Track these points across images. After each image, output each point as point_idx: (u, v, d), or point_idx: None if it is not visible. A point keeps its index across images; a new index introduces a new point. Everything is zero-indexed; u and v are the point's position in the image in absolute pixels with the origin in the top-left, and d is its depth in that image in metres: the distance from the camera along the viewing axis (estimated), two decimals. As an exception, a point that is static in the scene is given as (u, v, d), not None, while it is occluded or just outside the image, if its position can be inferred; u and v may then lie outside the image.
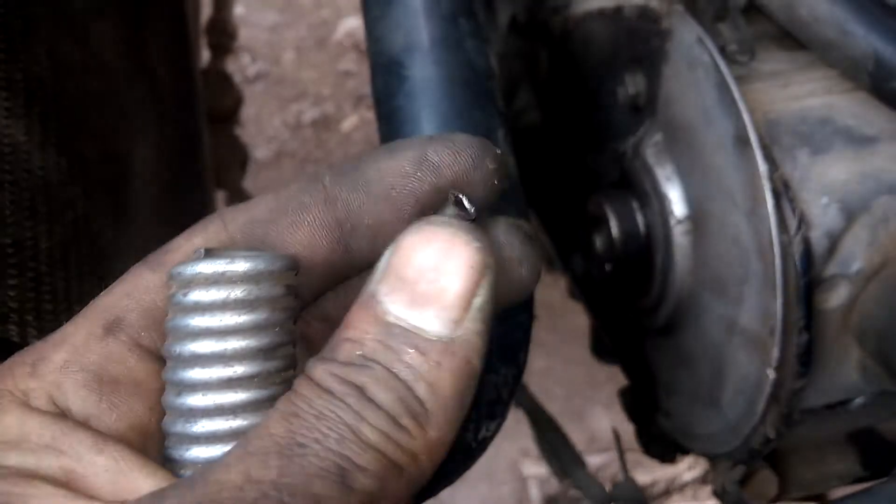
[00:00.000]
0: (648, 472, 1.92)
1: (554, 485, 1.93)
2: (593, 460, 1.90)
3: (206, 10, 1.66)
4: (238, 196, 1.63)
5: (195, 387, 0.36)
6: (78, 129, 0.72)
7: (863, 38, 0.65)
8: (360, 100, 2.57)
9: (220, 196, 1.55)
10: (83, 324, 0.39)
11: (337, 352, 0.35)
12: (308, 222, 0.40)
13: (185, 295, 0.36)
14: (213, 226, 0.40)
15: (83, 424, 0.36)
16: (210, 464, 0.33)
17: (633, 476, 1.03)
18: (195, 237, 0.40)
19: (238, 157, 1.63)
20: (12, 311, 0.56)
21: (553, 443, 1.13)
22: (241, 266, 0.36)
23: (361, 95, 2.56)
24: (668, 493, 1.97)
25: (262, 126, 2.54)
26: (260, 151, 2.48)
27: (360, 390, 0.34)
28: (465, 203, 0.39)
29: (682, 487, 1.97)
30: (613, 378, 1.04)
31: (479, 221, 0.40)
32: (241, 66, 2.60)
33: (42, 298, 0.60)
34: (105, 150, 0.79)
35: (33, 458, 0.35)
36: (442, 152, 0.39)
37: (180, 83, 1.19)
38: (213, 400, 0.35)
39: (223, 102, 1.63)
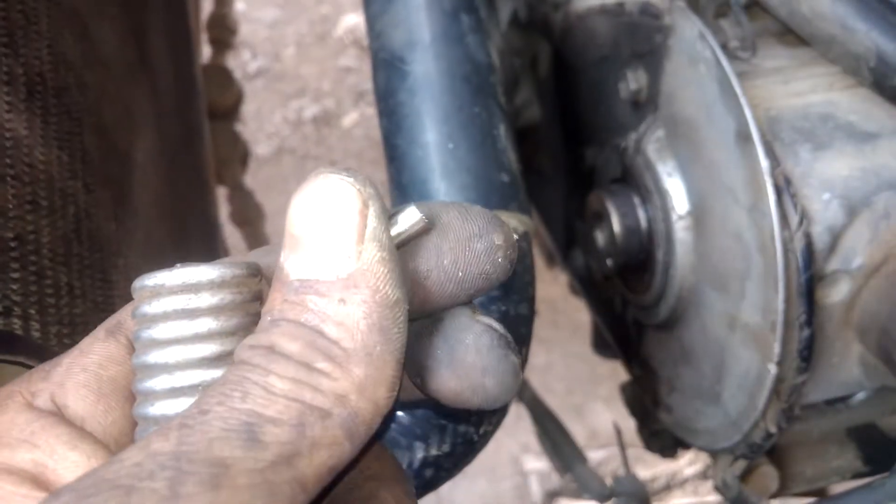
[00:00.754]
0: (649, 468, 1.92)
1: (555, 480, 1.93)
2: (594, 455, 1.90)
3: (206, 5, 1.65)
4: (238, 192, 1.63)
5: (147, 396, 0.36)
6: (79, 124, 0.72)
7: (864, 35, 0.65)
8: (361, 96, 2.57)
9: (220, 192, 1.55)
10: (93, 333, 0.40)
11: (256, 328, 0.35)
12: None
13: (137, 308, 0.37)
14: (229, 259, 0.42)
15: (66, 421, 0.37)
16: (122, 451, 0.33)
17: (633, 471, 1.03)
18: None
19: (238, 153, 1.63)
20: (15, 304, 0.56)
21: (554, 438, 1.13)
22: (179, 276, 0.36)
23: (362, 91, 2.56)
24: (668, 488, 1.98)
25: (262, 122, 2.53)
26: (260, 147, 2.48)
27: (269, 349, 0.33)
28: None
29: (683, 482, 1.97)
30: (614, 373, 1.04)
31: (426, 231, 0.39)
32: (241, 62, 2.60)
33: (44, 292, 0.60)
34: (106, 144, 0.79)
35: (8, 452, 0.35)
36: (452, 215, 0.39)
37: (181, 78, 1.19)
38: (160, 409, 0.36)
39: (224, 98, 1.62)
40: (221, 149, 1.59)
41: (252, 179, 1.71)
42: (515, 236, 0.41)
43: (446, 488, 1.93)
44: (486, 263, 0.39)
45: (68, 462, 0.35)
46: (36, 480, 0.35)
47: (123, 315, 0.40)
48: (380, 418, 0.34)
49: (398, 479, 0.40)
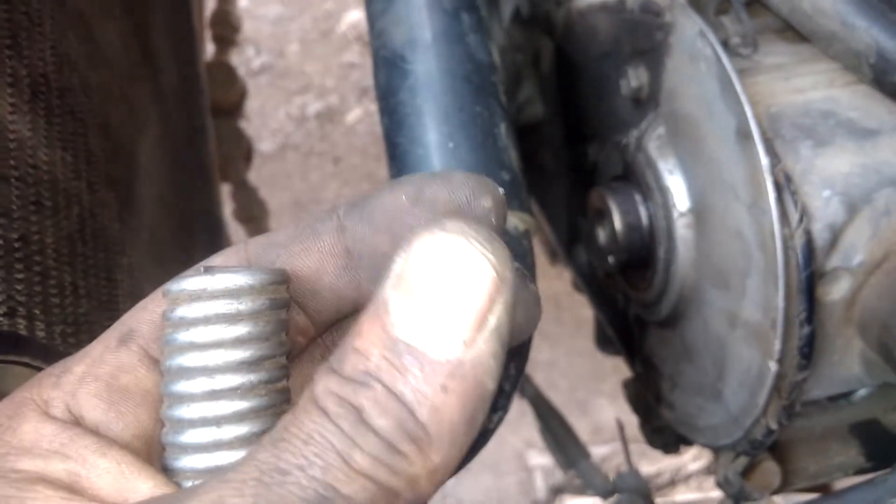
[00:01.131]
0: (653, 463, 1.92)
1: (559, 475, 1.94)
2: (598, 451, 1.90)
3: (209, 2, 1.66)
4: (242, 188, 1.64)
5: (182, 399, 0.37)
6: (83, 125, 0.73)
7: (864, 31, 0.65)
8: (365, 92, 2.57)
9: (224, 189, 1.55)
10: (103, 338, 0.40)
11: (343, 363, 0.33)
12: (318, 248, 0.41)
13: (172, 311, 0.37)
14: (233, 249, 0.42)
15: (92, 431, 0.37)
16: (188, 490, 0.33)
17: (637, 467, 1.04)
18: (217, 258, 0.42)
19: (242, 150, 1.64)
20: (20, 304, 0.56)
21: (557, 434, 1.14)
22: (222, 281, 0.37)
23: (366, 87, 2.56)
24: (672, 483, 1.98)
25: (266, 119, 2.54)
26: (264, 144, 2.48)
27: (358, 412, 0.32)
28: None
29: (687, 478, 1.98)
30: (618, 370, 1.04)
31: None
32: (245, 59, 2.60)
33: (49, 293, 0.60)
34: (110, 144, 0.80)
35: (42, 462, 0.36)
36: (439, 189, 0.39)
37: (184, 77, 1.19)
38: (198, 411, 0.36)
39: (227, 95, 1.63)
40: (225, 146, 1.59)
41: (256, 176, 1.72)
42: (501, 191, 0.40)
43: (451, 483, 1.94)
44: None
45: (100, 469, 0.36)
46: (71, 489, 0.35)
47: (134, 322, 0.40)
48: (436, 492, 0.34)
49: None
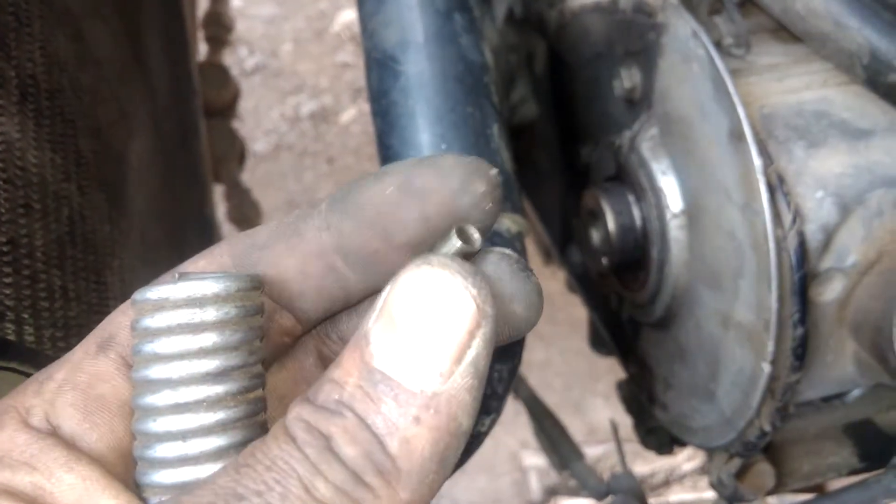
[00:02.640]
0: (648, 463, 1.92)
1: (553, 476, 1.94)
2: (592, 451, 1.90)
3: (202, 3, 1.65)
4: (235, 189, 1.63)
5: (148, 412, 0.36)
6: (72, 126, 0.72)
7: (857, 32, 0.64)
8: (359, 92, 2.57)
9: (217, 190, 1.55)
10: (85, 342, 0.39)
11: (318, 392, 0.33)
12: (301, 249, 0.39)
13: (137, 321, 0.36)
14: (217, 249, 0.41)
15: (64, 443, 0.36)
16: None
17: (631, 467, 1.03)
18: (200, 261, 0.40)
19: (236, 151, 1.63)
20: (8, 308, 0.56)
21: (551, 435, 1.13)
22: (185, 290, 0.36)
23: (359, 87, 2.56)
24: (667, 483, 1.98)
25: (260, 119, 2.53)
26: (258, 144, 2.48)
27: (326, 440, 0.31)
28: (471, 233, 0.37)
29: (682, 478, 1.98)
30: (613, 370, 1.04)
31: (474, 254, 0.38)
32: (238, 59, 2.60)
33: (38, 296, 0.60)
34: (100, 146, 0.79)
35: (10, 474, 0.35)
36: (427, 177, 0.37)
37: (177, 77, 1.18)
38: (163, 425, 0.35)
39: (220, 96, 1.62)
40: (218, 146, 1.58)
41: (250, 176, 1.71)
42: (495, 171, 0.39)
43: (446, 485, 1.94)
44: (475, 212, 0.38)
45: (64, 485, 0.35)
46: (34, 502, 0.35)
47: (114, 327, 0.39)
48: None
49: None
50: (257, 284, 0.38)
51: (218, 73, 1.66)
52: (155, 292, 0.36)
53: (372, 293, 0.41)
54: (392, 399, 0.31)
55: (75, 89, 0.74)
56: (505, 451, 2.01)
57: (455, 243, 0.37)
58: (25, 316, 0.57)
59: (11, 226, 0.58)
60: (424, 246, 0.38)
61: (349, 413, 0.32)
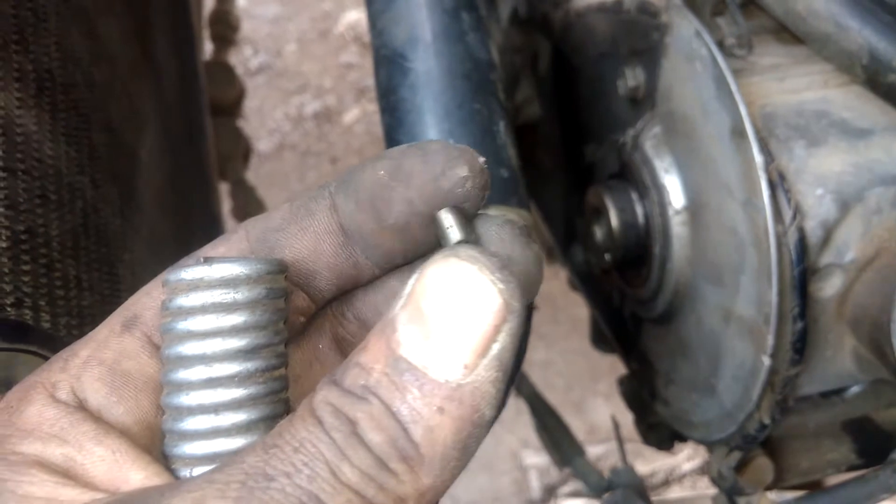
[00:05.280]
0: (648, 463, 1.93)
1: (554, 474, 1.94)
2: (593, 450, 1.91)
3: (208, 2, 1.66)
4: (240, 187, 1.64)
5: (180, 386, 0.37)
6: (86, 120, 0.73)
7: (857, 33, 0.66)
8: (362, 92, 2.58)
9: (223, 187, 1.56)
10: (109, 321, 0.40)
11: (345, 375, 0.34)
12: (313, 228, 0.41)
13: (170, 300, 0.38)
14: (235, 235, 0.42)
15: (93, 416, 0.38)
16: (173, 486, 0.33)
17: (631, 463, 1.04)
18: (220, 246, 0.42)
19: (240, 149, 1.64)
20: (27, 295, 0.57)
21: (553, 432, 1.14)
22: (219, 271, 0.37)
23: (363, 88, 2.57)
24: (667, 482, 1.99)
25: (264, 118, 2.54)
26: (262, 143, 2.49)
27: (352, 425, 0.32)
28: (454, 221, 0.39)
29: (682, 477, 1.99)
30: (614, 369, 1.05)
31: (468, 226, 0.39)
32: (243, 59, 2.61)
33: (54, 284, 0.61)
34: (112, 140, 0.80)
35: (41, 446, 0.36)
36: (413, 161, 0.39)
37: (184, 75, 1.20)
38: (196, 399, 0.37)
39: (226, 94, 1.63)
40: (224, 145, 1.60)
41: (254, 175, 1.72)
42: (482, 160, 0.40)
43: (446, 483, 1.94)
44: (456, 198, 0.39)
45: (95, 457, 0.36)
46: (67, 474, 0.36)
47: (139, 307, 0.40)
48: None
49: None
50: (283, 268, 0.40)
51: (224, 72, 1.67)
52: (189, 272, 0.37)
53: (379, 272, 0.42)
54: (417, 388, 0.32)
55: (89, 84, 0.76)
56: (505, 449, 2.02)
57: (449, 224, 0.39)
58: (42, 303, 0.59)
59: (29, 215, 0.60)
60: (410, 228, 0.39)
61: (375, 400, 0.32)
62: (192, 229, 1.13)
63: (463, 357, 0.32)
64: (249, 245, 0.41)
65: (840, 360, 0.72)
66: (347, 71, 2.64)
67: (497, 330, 0.33)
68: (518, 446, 2.02)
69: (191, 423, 0.37)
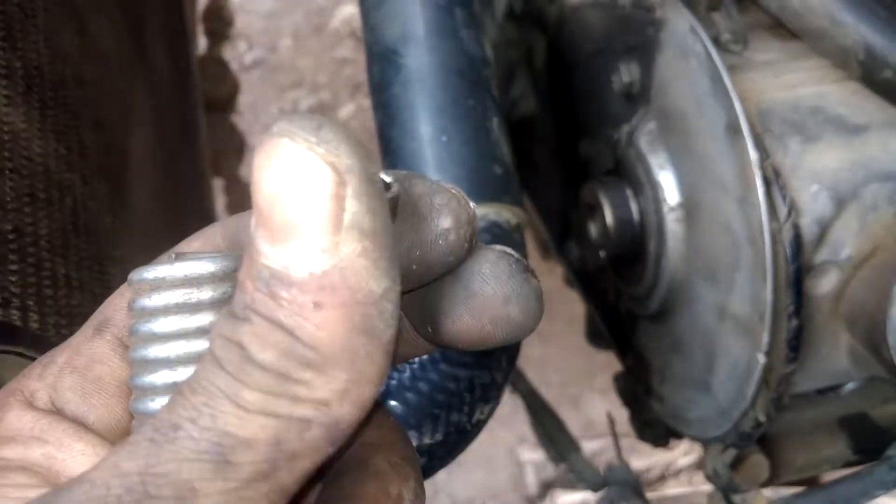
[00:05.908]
0: (644, 458, 1.93)
1: (550, 470, 1.95)
2: (589, 446, 1.91)
3: (202, -3, 1.66)
4: (234, 183, 1.64)
5: (145, 391, 0.36)
6: (76, 117, 0.73)
7: (853, 28, 0.65)
8: (357, 87, 2.57)
9: (216, 183, 1.56)
10: (84, 326, 0.39)
11: (234, 300, 0.31)
12: None
13: (134, 301, 0.36)
14: (211, 230, 0.40)
15: (69, 419, 0.37)
16: (102, 460, 0.31)
17: (626, 460, 1.04)
18: (195, 242, 0.40)
19: (234, 144, 1.64)
20: (14, 295, 0.56)
21: (549, 428, 1.14)
22: (182, 269, 0.35)
23: (358, 83, 2.56)
24: (663, 478, 1.99)
25: (258, 113, 2.53)
26: (257, 139, 2.48)
27: (241, 349, 0.30)
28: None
29: (678, 473, 1.99)
30: (610, 365, 1.05)
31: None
32: (237, 54, 2.60)
33: (42, 284, 0.60)
34: (103, 137, 0.80)
35: (23, 449, 0.36)
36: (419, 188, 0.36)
37: (177, 71, 1.19)
38: (161, 404, 0.35)
39: (220, 90, 1.63)
40: (218, 140, 1.60)
41: (248, 170, 1.72)
42: (472, 205, 0.37)
43: (442, 478, 1.94)
44: (438, 249, 0.36)
45: (75, 452, 0.36)
46: (49, 473, 0.36)
47: (111, 310, 0.39)
48: (365, 414, 0.31)
49: (396, 445, 0.37)
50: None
51: (217, 68, 1.67)
52: (151, 272, 0.36)
53: None
54: (286, 292, 0.29)
55: (79, 81, 0.75)
56: (502, 445, 2.02)
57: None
58: (30, 303, 0.58)
59: (17, 214, 0.59)
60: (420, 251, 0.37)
61: (256, 317, 0.30)
62: (185, 225, 1.12)
63: (315, 243, 0.29)
64: (224, 242, 0.39)
65: (836, 357, 0.72)
66: (343, 66, 2.63)
67: (339, 198, 0.29)
68: (515, 442, 2.02)
69: None
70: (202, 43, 1.65)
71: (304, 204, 0.29)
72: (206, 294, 0.35)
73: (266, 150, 0.29)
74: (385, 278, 0.30)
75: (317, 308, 0.29)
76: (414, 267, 0.36)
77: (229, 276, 0.36)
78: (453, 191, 0.37)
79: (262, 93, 2.57)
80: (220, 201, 1.54)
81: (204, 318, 0.35)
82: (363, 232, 0.29)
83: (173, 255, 0.37)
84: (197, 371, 0.31)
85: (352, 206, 0.29)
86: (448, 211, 0.36)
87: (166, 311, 0.35)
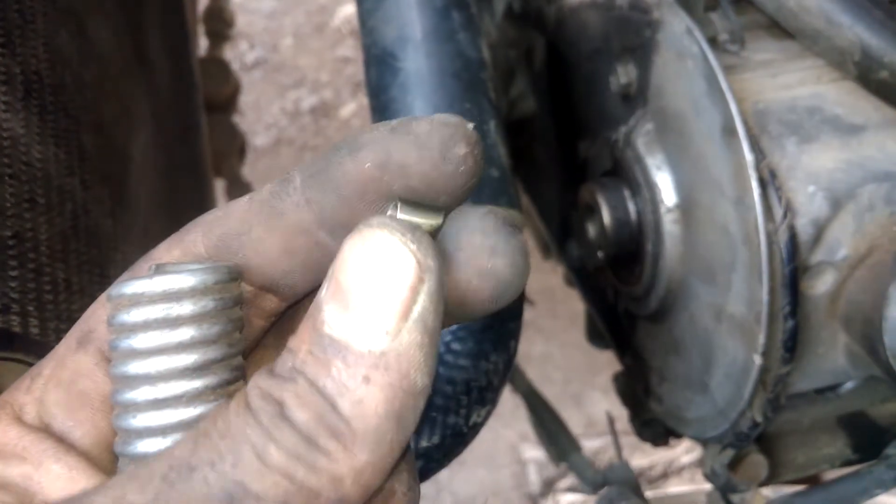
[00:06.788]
0: (646, 456, 1.94)
1: (553, 468, 1.95)
2: (592, 444, 1.92)
3: (203, -2, 1.66)
4: (236, 184, 1.64)
5: (127, 408, 0.35)
6: (76, 121, 0.73)
7: (849, 29, 0.65)
8: (359, 86, 2.57)
9: (218, 184, 1.56)
10: (67, 337, 0.39)
11: (276, 362, 0.33)
12: (282, 228, 0.38)
13: (113, 316, 0.36)
14: (190, 236, 0.39)
15: (53, 437, 0.37)
16: (99, 487, 0.32)
17: (627, 459, 1.05)
18: (174, 249, 0.39)
19: (236, 146, 1.64)
20: (13, 301, 0.57)
21: (549, 427, 1.14)
22: (160, 284, 0.35)
23: (360, 82, 2.57)
24: (665, 475, 1.99)
25: (260, 113, 2.54)
26: (259, 138, 2.48)
27: (279, 406, 0.31)
28: (405, 206, 0.37)
29: (680, 470, 1.99)
30: (612, 363, 1.05)
31: (446, 212, 0.38)
32: (239, 53, 2.60)
33: (42, 289, 0.61)
34: (103, 140, 0.80)
35: (2, 465, 0.36)
36: (406, 150, 0.36)
37: (178, 72, 1.19)
38: (143, 421, 0.35)
39: (221, 91, 1.63)
40: (219, 141, 1.60)
41: (250, 170, 1.72)
42: (470, 125, 0.37)
43: (446, 477, 1.94)
44: (461, 178, 0.37)
45: (52, 474, 0.36)
46: (25, 492, 0.36)
47: (93, 321, 0.39)
48: (367, 498, 0.33)
49: (408, 467, 0.37)
50: (235, 275, 0.37)
51: (219, 68, 1.67)
52: (130, 287, 0.35)
53: None
54: (341, 361, 0.31)
55: (78, 85, 0.75)
56: (504, 443, 2.03)
57: (401, 209, 0.37)
58: (30, 308, 0.58)
59: (16, 220, 0.59)
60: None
61: (301, 378, 0.32)
62: (187, 227, 1.12)
63: (384, 324, 0.32)
64: (206, 246, 0.39)
65: (833, 357, 0.72)
66: (344, 65, 2.63)
67: (415, 291, 0.32)
68: (517, 440, 2.02)
69: (140, 447, 0.35)
70: (203, 44, 1.65)
71: (384, 287, 0.32)
72: (186, 309, 0.35)
73: (363, 234, 0.33)
74: (428, 376, 0.32)
75: (364, 382, 0.31)
76: (442, 198, 0.37)
77: (209, 290, 0.36)
78: (453, 119, 0.37)
79: (264, 92, 2.58)
80: (221, 202, 1.54)
81: (184, 333, 0.35)
82: (426, 328, 0.32)
83: (153, 267, 0.37)
84: (225, 415, 0.32)
85: (423, 302, 0.32)
86: (459, 138, 0.37)
87: (146, 326, 0.35)
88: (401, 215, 0.37)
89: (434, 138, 0.36)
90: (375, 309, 0.32)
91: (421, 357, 0.32)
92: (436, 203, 0.38)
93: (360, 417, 0.31)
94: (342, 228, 0.38)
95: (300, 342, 0.32)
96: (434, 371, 0.33)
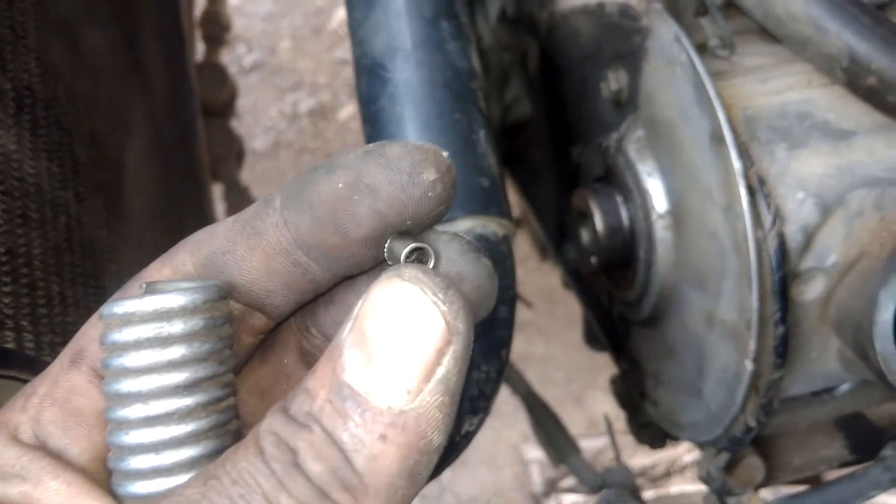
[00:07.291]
0: (649, 455, 1.94)
1: (555, 468, 1.95)
2: (592, 444, 1.92)
3: (199, 2, 1.66)
4: (234, 188, 1.64)
5: (119, 425, 0.36)
6: (69, 133, 0.73)
7: (836, 35, 0.65)
8: (357, 88, 2.57)
9: (216, 189, 1.56)
10: (61, 355, 0.40)
11: (292, 401, 0.33)
12: (262, 247, 0.39)
13: (105, 335, 0.37)
14: (179, 255, 0.40)
15: (51, 454, 0.37)
16: None
17: (630, 458, 1.05)
18: (164, 267, 0.40)
19: (234, 150, 1.64)
20: (7, 317, 0.57)
21: (548, 429, 1.15)
22: (151, 304, 0.36)
23: (358, 84, 2.56)
24: (668, 474, 1.99)
25: (258, 116, 2.54)
26: (257, 142, 2.49)
27: (293, 454, 0.31)
28: (414, 248, 0.37)
29: (683, 469, 1.99)
30: (612, 364, 1.06)
31: (421, 238, 0.38)
32: (236, 57, 2.61)
33: (37, 303, 0.61)
34: (97, 151, 0.80)
35: (2, 485, 0.37)
36: (376, 172, 0.36)
37: (174, 79, 1.19)
38: (135, 438, 0.36)
39: (218, 95, 1.63)
40: (216, 146, 1.60)
41: (249, 174, 1.72)
42: (445, 153, 0.38)
43: (448, 477, 1.95)
44: (428, 203, 0.37)
45: (51, 491, 0.36)
46: None
47: (85, 340, 0.39)
48: None
49: None
50: (224, 294, 0.38)
51: (216, 73, 1.67)
52: (122, 307, 0.36)
53: (340, 281, 0.41)
54: (359, 415, 0.31)
55: (71, 97, 0.75)
56: (506, 444, 2.03)
57: (396, 242, 0.37)
58: (24, 323, 0.59)
59: (9, 236, 0.60)
60: (382, 240, 0.38)
61: (317, 428, 0.31)
62: (184, 234, 1.12)
63: (406, 382, 0.31)
64: (195, 269, 0.40)
65: (825, 361, 0.72)
66: (342, 67, 2.63)
67: (441, 353, 0.32)
68: (519, 440, 2.02)
69: (133, 463, 0.36)
70: (200, 49, 1.65)
71: (410, 345, 0.31)
72: (176, 328, 0.36)
73: (392, 286, 0.32)
74: (444, 434, 0.32)
75: (381, 440, 0.31)
76: (408, 223, 0.37)
77: (199, 309, 0.37)
78: (426, 146, 0.38)
79: (261, 95, 2.58)
80: (219, 207, 1.54)
81: (175, 352, 0.36)
82: (447, 389, 0.32)
83: (143, 286, 0.38)
84: (236, 459, 0.32)
85: (448, 364, 0.32)
86: (429, 163, 0.37)
87: (137, 345, 0.36)
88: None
89: (404, 162, 0.36)
90: (399, 367, 0.31)
91: (440, 417, 0.32)
92: (406, 227, 0.38)
93: (373, 474, 0.31)
94: (315, 250, 0.38)
95: (318, 385, 0.32)
96: (451, 427, 0.33)
